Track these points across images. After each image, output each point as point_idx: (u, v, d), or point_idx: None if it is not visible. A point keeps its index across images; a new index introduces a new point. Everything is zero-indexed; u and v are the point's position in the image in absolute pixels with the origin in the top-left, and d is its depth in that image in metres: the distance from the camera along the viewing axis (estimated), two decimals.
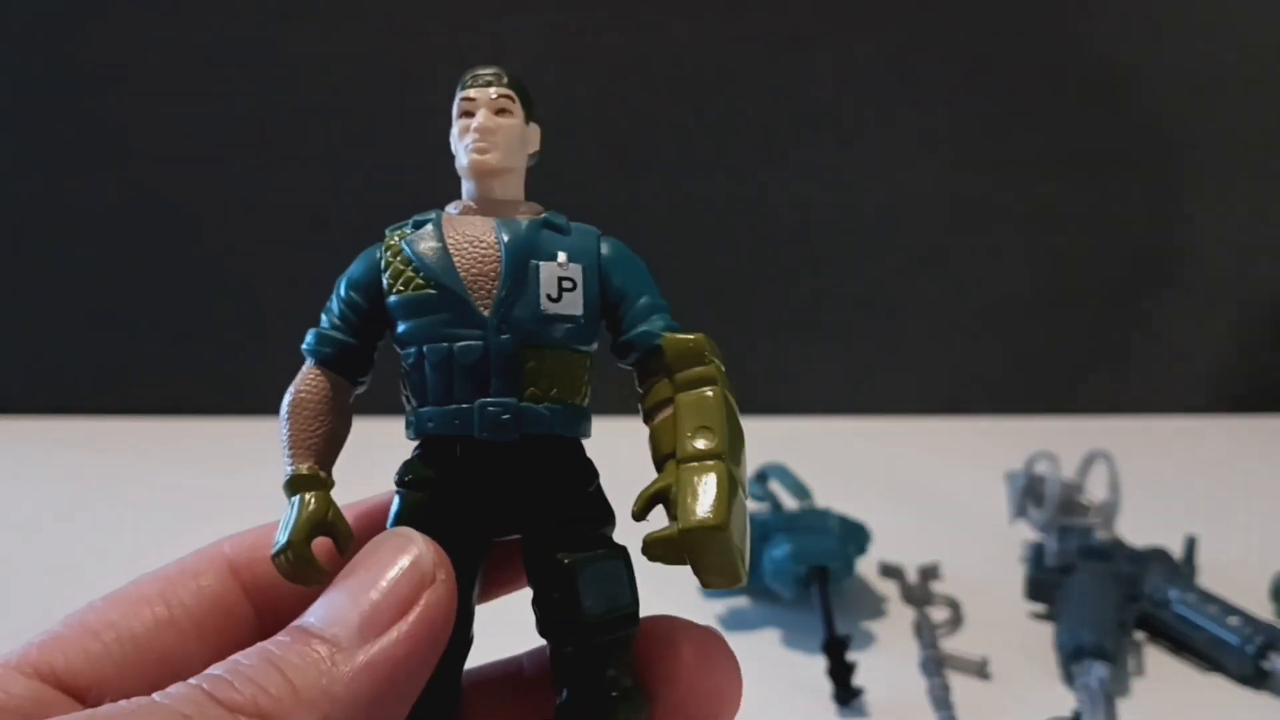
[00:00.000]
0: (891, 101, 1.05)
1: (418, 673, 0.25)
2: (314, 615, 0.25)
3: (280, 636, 0.24)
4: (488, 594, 0.31)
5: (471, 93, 0.31)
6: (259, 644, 0.24)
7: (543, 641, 0.29)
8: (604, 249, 0.30)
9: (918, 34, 1.04)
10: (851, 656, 0.59)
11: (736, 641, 0.28)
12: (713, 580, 0.27)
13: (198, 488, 0.87)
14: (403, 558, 0.26)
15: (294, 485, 0.28)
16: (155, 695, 0.22)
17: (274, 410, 0.29)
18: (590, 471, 0.30)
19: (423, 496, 0.28)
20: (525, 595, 0.30)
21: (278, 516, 0.28)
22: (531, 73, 0.31)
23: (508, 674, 0.32)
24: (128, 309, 1.08)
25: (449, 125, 0.31)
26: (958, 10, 1.03)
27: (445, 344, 0.28)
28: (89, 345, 1.08)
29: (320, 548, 0.27)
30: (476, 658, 0.30)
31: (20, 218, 1.06)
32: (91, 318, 1.08)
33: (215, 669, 0.23)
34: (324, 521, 0.27)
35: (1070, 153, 1.08)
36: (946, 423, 1.11)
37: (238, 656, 0.24)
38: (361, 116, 1.03)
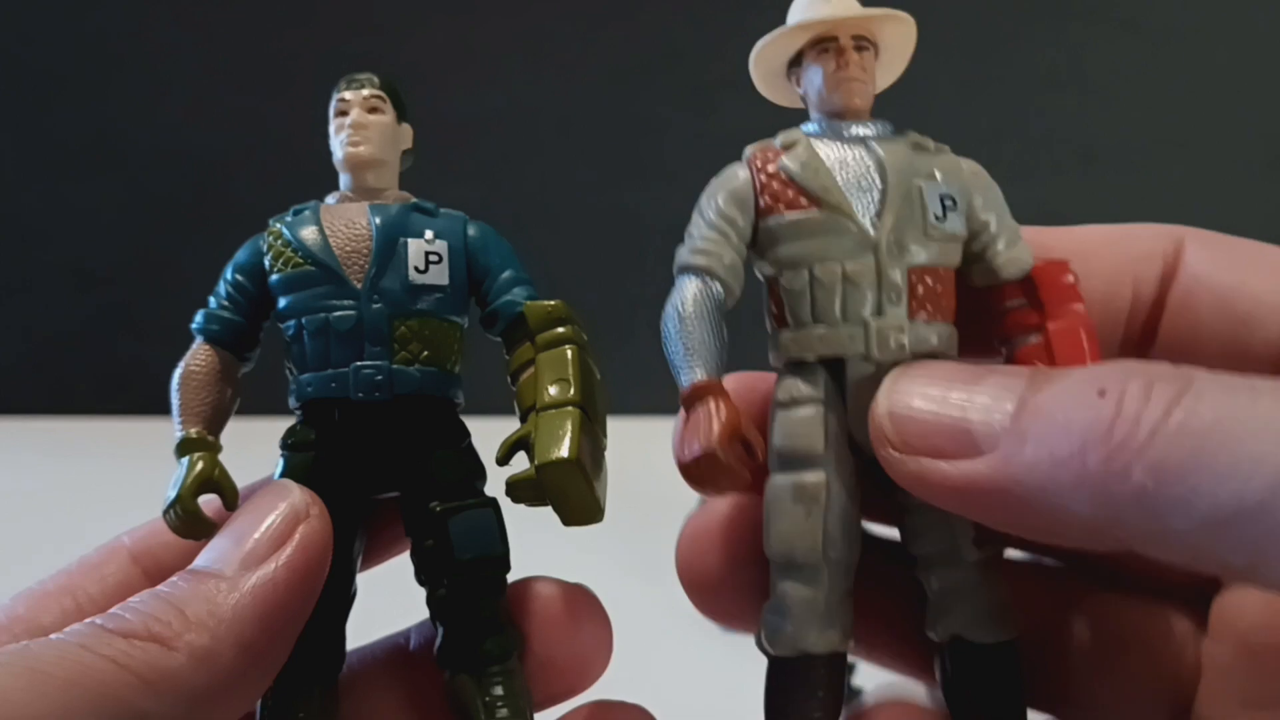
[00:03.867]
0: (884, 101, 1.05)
1: (300, 599, 0.27)
2: (201, 559, 0.27)
3: (171, 579, 0.26)
4: (373, 557, 0.33)
5: (346, 95, 0.33)
6: (149, 589, 0.26)
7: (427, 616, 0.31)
8: (470, 230, 0.32)
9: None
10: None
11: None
12: (572, 516, 0.29)
13: None
14: (280, 503, 0.28)
15: (183, 448, 0.30)
16: (51, 635, 0.24)
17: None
18: (461, 431, 0.32)
19: (304, 457, 0.31)
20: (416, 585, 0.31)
21: None
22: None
23: (394, 647, 0.34)
24: (128, 309, 1.08)
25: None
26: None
27: (322, 314, 0.31)
28: (89, 345, 1.08)
29: (210, 510, 0.29)
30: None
31: (20, 218, 1.06)
32: (91, 318, 1.08)
33: (110, 610, 0.25)
34: (211, 479, 0.29)
35: None
36: None
37: (129, 599, 0.25)
38: None
